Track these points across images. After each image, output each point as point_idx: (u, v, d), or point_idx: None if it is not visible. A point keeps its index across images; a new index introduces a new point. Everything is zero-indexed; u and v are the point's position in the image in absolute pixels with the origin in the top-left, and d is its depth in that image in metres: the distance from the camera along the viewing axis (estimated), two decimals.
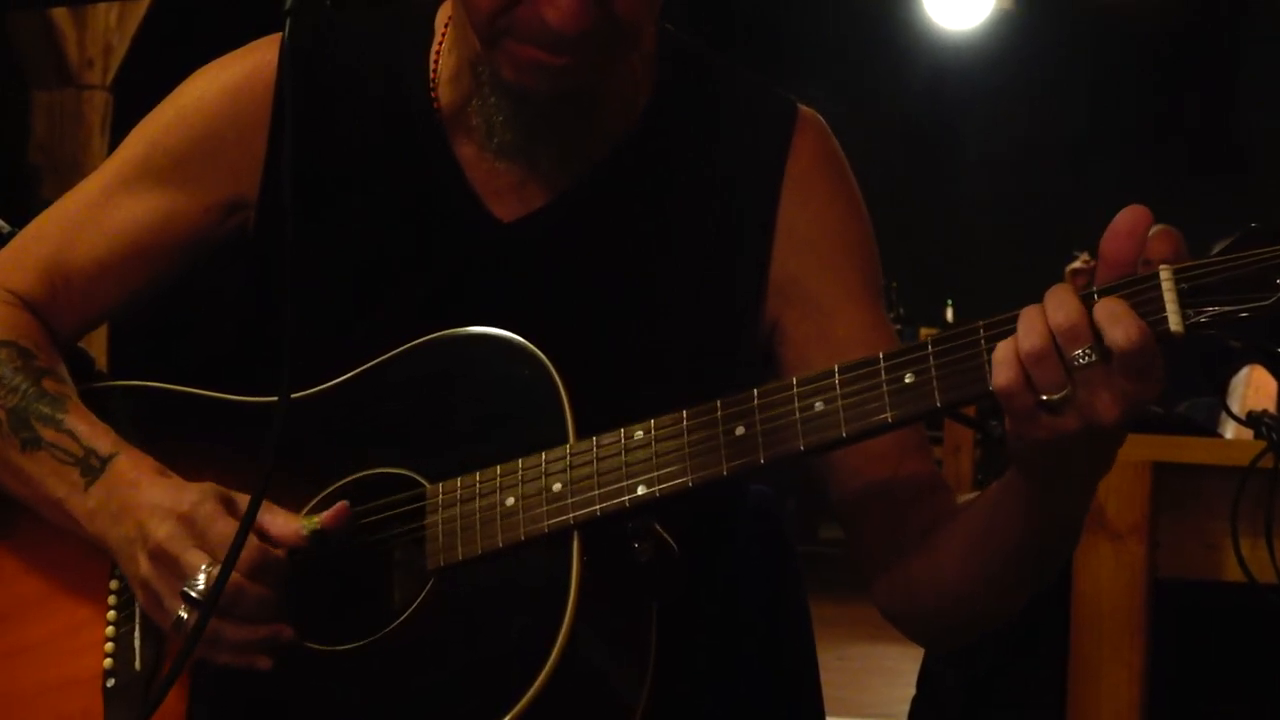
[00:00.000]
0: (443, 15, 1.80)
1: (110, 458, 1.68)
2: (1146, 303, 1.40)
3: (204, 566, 1.57)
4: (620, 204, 1.75)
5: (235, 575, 1.56)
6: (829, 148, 1.81)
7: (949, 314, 10.45)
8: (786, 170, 1.77)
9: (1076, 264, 9.62)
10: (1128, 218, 1.46)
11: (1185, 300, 1.39)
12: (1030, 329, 1.42)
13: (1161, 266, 1.41)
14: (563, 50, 1.61)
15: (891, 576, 1.72)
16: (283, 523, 1.62)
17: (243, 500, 1.62)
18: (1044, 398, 1.42)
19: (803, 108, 1.82)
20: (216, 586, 1.54)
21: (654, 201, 1.76)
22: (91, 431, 1.70)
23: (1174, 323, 1.39)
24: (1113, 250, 1.45)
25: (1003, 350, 1.44)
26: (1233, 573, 2.53)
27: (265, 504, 1.60)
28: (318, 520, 1.62)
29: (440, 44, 1.79)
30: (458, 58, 1.75)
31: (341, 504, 1.63)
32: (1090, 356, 1.40)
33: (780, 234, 1.76)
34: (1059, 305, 1.42)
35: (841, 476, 1.73)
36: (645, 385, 1.59)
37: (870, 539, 1.73)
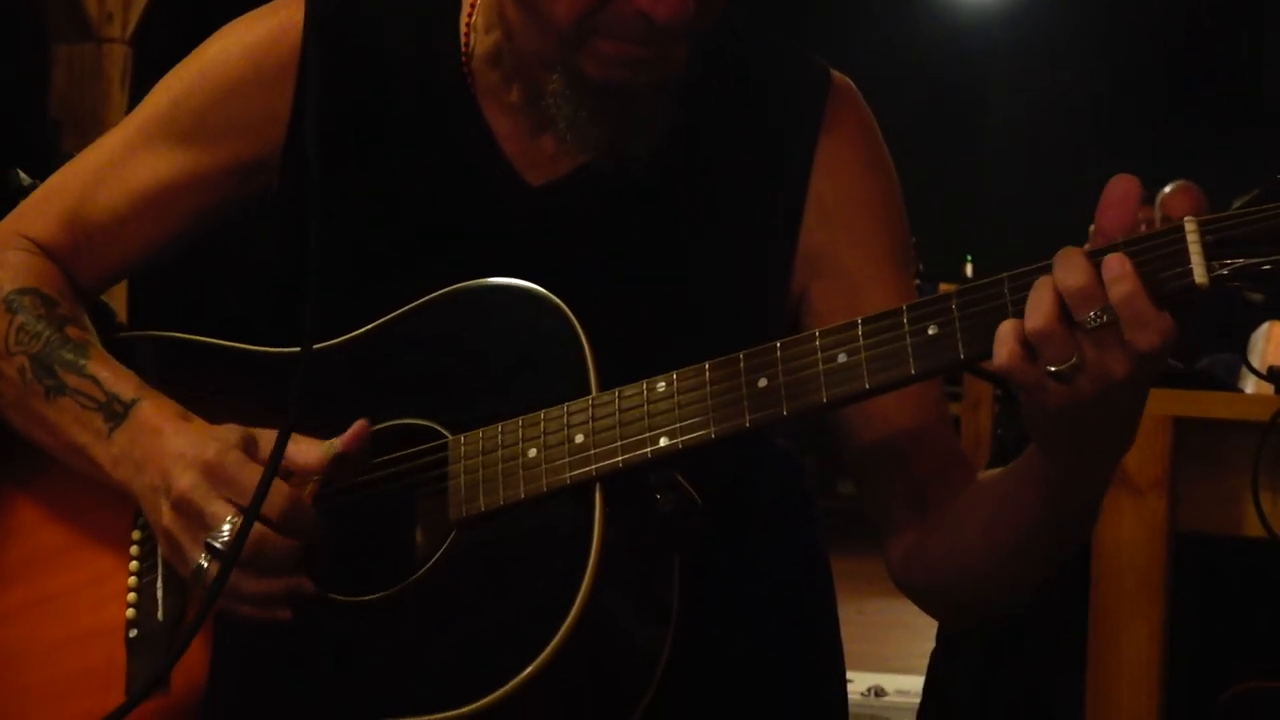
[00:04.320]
0: None
1: (133, 403, 1.68)
2: (1171, 255, 1.39)
3: (229, 517, 1.57)
4: (651, 170, 1.73)
5: (260, 526, 1.56)
6: (861, 117, 1.81)
7: (968, 270, 10.41)
8: (819, 142, 1.76)
9: None
10: (1119, 187, 1.45)
11: (1210, 253, 1.38)
12: (1038, 305, 1.41)
13: (1187, 219, 1.40)
14: (656, 40, 1.60)
15: (911, 552, 1.72)
16: (306, 449, 1.62)
17: (266, 437, 1.61)
18: (1052, 369, 1.41)
19: (835, 75, 1.81)
20: (241, 533, 1.54)
21: (686, 168, 1.75)
22: (114, 377, 1.70)
23: (1199, 275, 1.38)
24: (1109, 221, 1.44)
25: (1005, 328, 1.42)
26: (1253, 528, 2.53)
27: (292, 436, 1.59)
28: (338, 442, 1.62)
29: (470, 15, 1.78)
30: (495, 42, 1.74)
31: (360, 422, 1.62)
32: (1101, 318, 1.39)
33: (811, 205, 1.76)
34: (1070, 269, 1.40)
35: (865, 451, 1.73)
36: (670, 349, 1.58)
37: (893, 513, 1.73)
